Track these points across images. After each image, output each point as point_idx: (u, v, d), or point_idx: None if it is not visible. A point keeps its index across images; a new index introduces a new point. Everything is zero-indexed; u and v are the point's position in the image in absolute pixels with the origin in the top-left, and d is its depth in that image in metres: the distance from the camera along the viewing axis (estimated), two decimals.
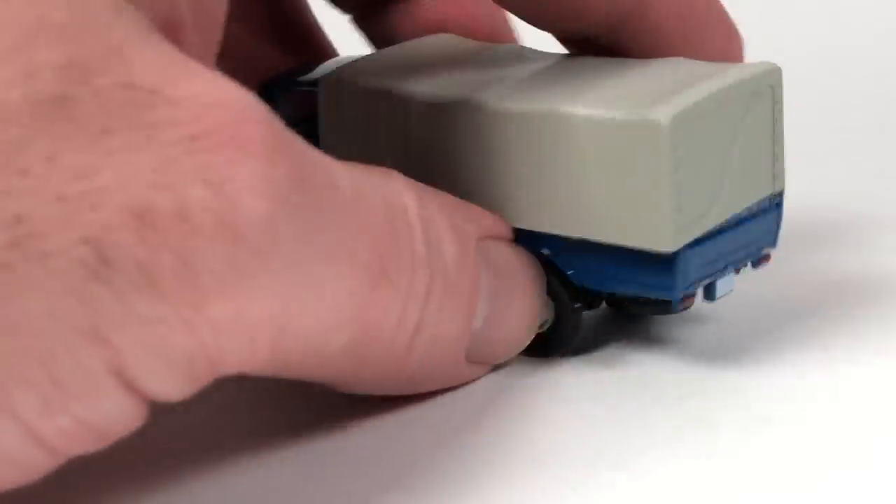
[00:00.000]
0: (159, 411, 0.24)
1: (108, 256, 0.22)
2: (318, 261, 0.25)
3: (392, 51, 0.37)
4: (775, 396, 0.32)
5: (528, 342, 0.33)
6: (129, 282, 0.22)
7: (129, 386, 0.23)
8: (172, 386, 0.23)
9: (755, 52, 0.39)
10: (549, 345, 0.34)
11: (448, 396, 0.32)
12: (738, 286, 0.36)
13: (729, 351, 0.35)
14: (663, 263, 0.31)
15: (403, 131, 0.34)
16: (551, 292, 0.34)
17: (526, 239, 0.33)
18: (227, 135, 0.23)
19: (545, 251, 0.33)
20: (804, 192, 0.39)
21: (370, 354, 0.27)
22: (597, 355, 0.35)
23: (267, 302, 0.24)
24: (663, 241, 0.31)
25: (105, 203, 0.22)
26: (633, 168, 0.31)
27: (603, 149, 0.31)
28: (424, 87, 0.34)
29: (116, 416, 0.23)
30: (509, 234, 0.32)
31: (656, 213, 0.31)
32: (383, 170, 0.29)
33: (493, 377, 0.33)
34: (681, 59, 0.34)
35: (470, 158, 0.33)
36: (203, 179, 0.23)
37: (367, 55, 0.37)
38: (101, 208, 0.22)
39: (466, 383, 0.32)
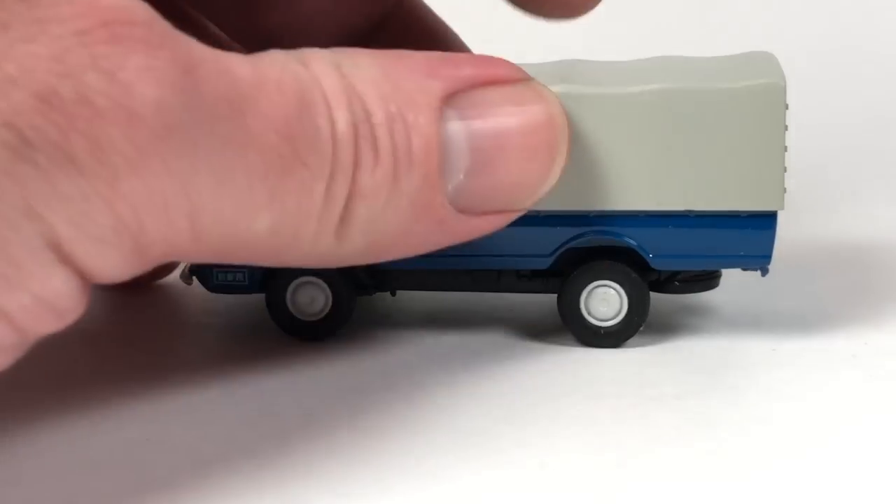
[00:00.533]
0: None
1: (29, 138, 0.24)
2: (222, 145, 0.26)
3: None
4: (775, 397, 0.32)
5: (554, 177, 0.32)
6: (51, 161, 0.24)
7: (67, 261, 0.25)
8: (105, 261, 0.25)
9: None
10: (622, 333, 0.35)
11: (444, 388, 0.32)
12: (738, 287, 0.36)
13: (730, 352, 0.35)
14: (761, 228, 0.34)
15: None
16: (626, 281, 0.35)
17: (605, 226, 0.34)
18: (112, 29, 0.25)
19: (625, 237, 0.34)
20: (805, 192, 0.39)
21: (301, 235, 0.28)
22: (597, 353, 0.35)
23: (175, 180, 0.26)
24: (774, 200, 0.33)
25: (14, 90, 0.24)
26: (751, 132, 0.33)
27: (721, 118, 0.33)
28: None
29: (64, 293, 0.25)
30: (510, 74, 0.32)
31: (769, 174, 0.33)
32: (300, 51, 0.29)
33: (492, 372, 0.33)
34: (678, 55, 0.36)
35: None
36: (97, 68, 0.25)
37: None
38: (11, 95, 0.24)
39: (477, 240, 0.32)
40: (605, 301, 0.36)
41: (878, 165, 0.53)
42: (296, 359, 0.35)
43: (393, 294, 0.37)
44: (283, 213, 0.28)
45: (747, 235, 0.34)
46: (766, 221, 0.34)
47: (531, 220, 0.33)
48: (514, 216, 0.32)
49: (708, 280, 0.37)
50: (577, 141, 0.33)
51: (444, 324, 0.38)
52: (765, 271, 0.35)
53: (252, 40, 0.39)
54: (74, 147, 0.24)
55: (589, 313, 0.36)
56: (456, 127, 0.30)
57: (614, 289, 0.36)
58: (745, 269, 0.36)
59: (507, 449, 0.30)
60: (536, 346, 0.36)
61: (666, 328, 0.37)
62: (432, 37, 0.41)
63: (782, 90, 0.33)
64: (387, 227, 0.30)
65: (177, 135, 0.26)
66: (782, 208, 0.34)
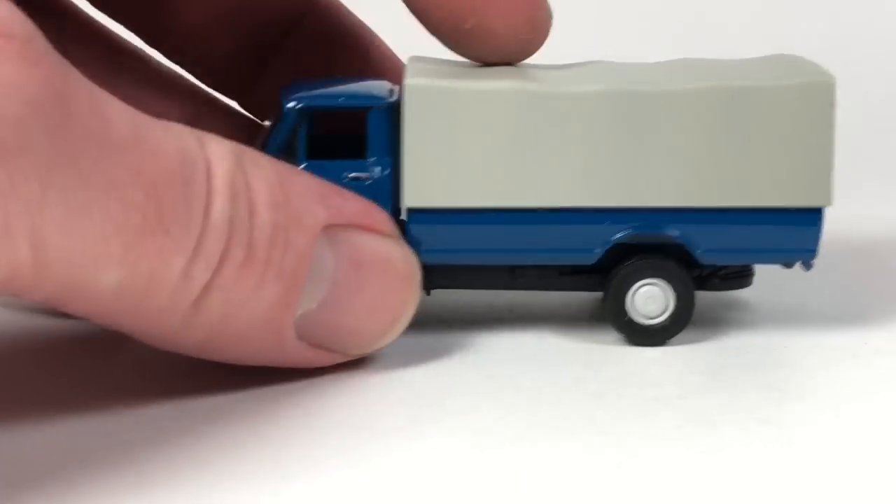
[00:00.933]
0: None
1: None
2: (80, 183, 0.26)
3: (437, 62, 0.37)
4: (776, 397, 0.32)
5: (391, 336, 0.33)
6: None
7: None
8: None
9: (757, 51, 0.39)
10: (669, 330, 0.36)
11: (442, 386, 0.32)
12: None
13: (730, 352, 0.35)
14: (808, 224, 0.35)
15: (516, 124, 0.34)
16: (674, 277, 0.35)
17: (652, 221, 0.35)
18: None
19: (673, 232, 0.35)
20: None
21: (149, 305, 0.28)
22: (598, 353, 0.35)
23: (19, 201, 0.25)
24: (822, 196, 0.34)
25: None
26: (801, 129, 0.34)
27: (772, 115, 0.34)
28: (539, 84, 0.34)
29: None
30: (386, 228, 0.33)
31: (818, 170, 0.34)
32: (206, 134, 0.29)
33: (491, 372, 0.34)
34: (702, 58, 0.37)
35: (605, 144, 0.34)
36: None
37: (414, 64, 0.36)
38: None
39: (324, 370, 0.33)
40: (652, 299, 0.35)
41: (877, 165, 0.53)
42: None
43: (428, 293, 0.36)
44: (135, 276, 0.27)
45: (794, 231, 0.35)
46: (812, 217, 0.35)
47: (579, 215, 0.34)
48: (338, 359, 0.33)
49: (743, 277, 0.37)
50: (627, 137, 0.34)
51: (442, 323, 0.37)
52: (809, 266, 0.35)
53: (163, 41, 0.40)
54: None
55: (636, 311, 0.36)
56: (325, 257, 0.31)
57: (661, 286, 0.35)
58: (788, 266, 0.36)
59: (506, 446, 0.30)
60: (537, 344, 0.36)
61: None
62: (350, 39, 0.40)
63: (832, 88, 0.34)
64: (234, 328, 0.30)
65: (30, 157, 0.25)
66: (831, 204, 0.34)
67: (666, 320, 0.36)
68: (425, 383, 0.33)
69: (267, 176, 0.30)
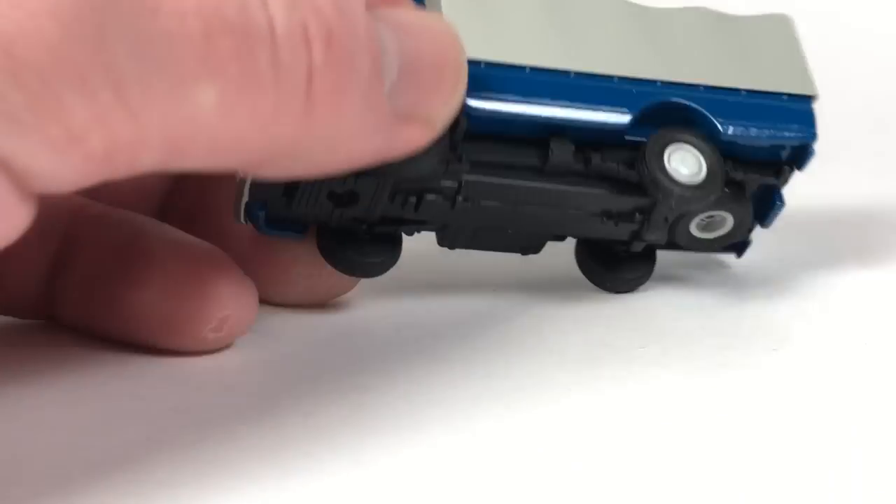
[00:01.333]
0: None
1: None
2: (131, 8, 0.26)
3: None
4: (774, 392, 0.32)
5: (461, 85, 0.33)
6: None
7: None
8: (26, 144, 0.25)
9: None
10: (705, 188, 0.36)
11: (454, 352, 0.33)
12: (734, 283, 0.37)
13: (727, 349, 0.36)
14: (804, 108, 0.38)
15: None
16: (705, 143, 0.37)
17: (678, 91, 0.37)
18: None
19: (697, 103, 0.37)
20: (805, 191, 0.39)
21: (260, 108, 0.28)
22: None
23: (105, 58, 0.25)
24: (808, 86, 0.38)
25: None
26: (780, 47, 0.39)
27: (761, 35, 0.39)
28: None
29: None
30: (407, 2, 0.33)
31: (799, 70, 0.39)
32: None
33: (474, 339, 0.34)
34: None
35: (632, 24, 0.37)
36: None
37: None
38: None
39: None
40: (686, 158, 0.36)
41: (877, 165, 0.53)
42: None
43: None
44: (227, 82, 0.27)
45: (795, 113, 0.38)
46: (806, 103, 0.38)
47: (614, 82, 0.36)
48: (431, 133, 0.32)
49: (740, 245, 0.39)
50: (650, 24, 0.37)
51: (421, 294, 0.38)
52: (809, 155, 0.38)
53: None
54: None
55: (672, 169, 0.36)
56: (383, 27, 0.31)
57: (694, 149, 0.36)
58: (796, 145, 0.37)
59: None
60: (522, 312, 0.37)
61: (665, 328, 0.37)
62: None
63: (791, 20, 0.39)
64: (350, 111, 0.30)
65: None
66: (817, 94, 0.38)
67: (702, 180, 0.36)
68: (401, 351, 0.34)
69: None
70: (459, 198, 0.35)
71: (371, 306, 0.38)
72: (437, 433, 0.30)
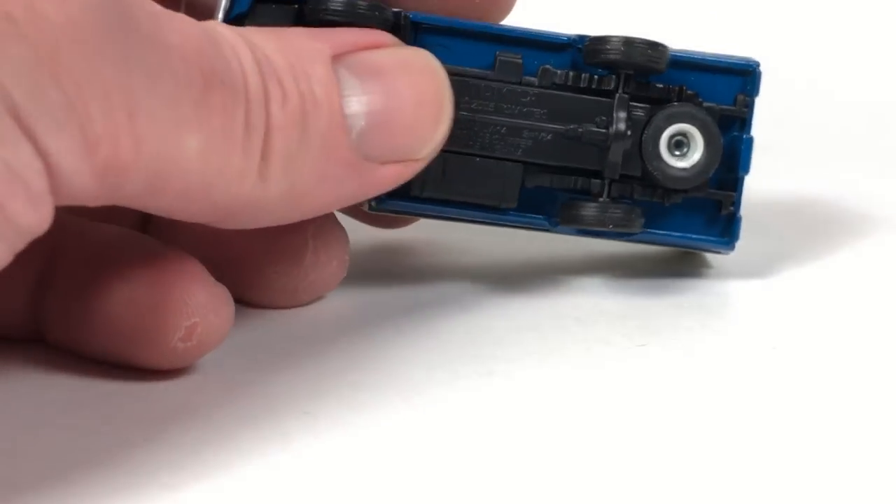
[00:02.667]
0: None
1: None
2: (149, 44, 0.28)
3: None
4: (773, 395, 0.33)
5: (445, 122, 0.34)
6: None
7: (29, 135, 0.26)
8: (61, 146, 0.26)
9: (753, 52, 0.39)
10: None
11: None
12: (734, 284, 0.37)
13: (728, 347, 0.36)
14: None
15: None
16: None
17: None
18: None
19: None
20: (806, 193, 0.39)
21: (229, 166, 0.29)
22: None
23: (112, 59, 0.27)
24: None
25: None
26: None
27: None
28: None
29: (33, 169, 0.26)
30: (387, 41, 0.34)
31: None
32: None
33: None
34: None
35: None
36: None
37: None
38: None
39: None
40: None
41: (877, 165, 0.54)
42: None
43: None
44: (211, 134, 0.29)
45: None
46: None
47: None
48: (415, 168, 0.34)
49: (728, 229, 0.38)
50: None
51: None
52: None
53: None
54: (13, 9, 0.25)
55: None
56: (349, 78, 0.32)
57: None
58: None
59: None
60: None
61: (665, 326, 0.37)
62: None
63: None
64: (304, 168, 0.31)
65: (110, 15, 0.27)
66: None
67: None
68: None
69: (261, 35, 0.32)
70: None
71: (371, 305, 0.38)
72: (437, 433, 0.30)
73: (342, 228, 0.38)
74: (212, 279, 0.33)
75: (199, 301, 0.32)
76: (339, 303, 0.38)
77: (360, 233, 0.41)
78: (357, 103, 0.32)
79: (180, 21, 0.29)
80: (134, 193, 0.28)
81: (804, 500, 0.28)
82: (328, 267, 0.37)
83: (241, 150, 0.30)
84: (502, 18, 0.38)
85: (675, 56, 0.37)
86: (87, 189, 0.27)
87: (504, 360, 0.35)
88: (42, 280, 0.34)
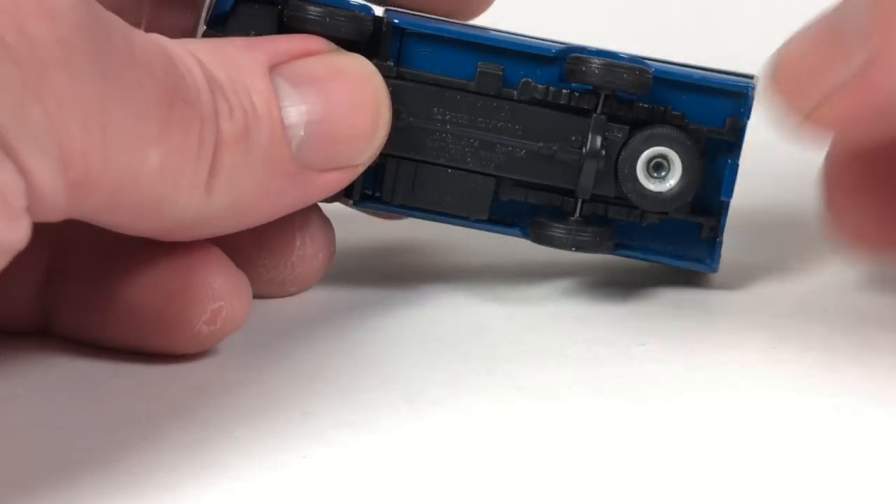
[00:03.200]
0: None
1: None
2: (121, 60, 0.28)
3: None
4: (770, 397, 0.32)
5: (383, 127, 0.35)
6: None
7: (11, 154, 0.26)
8: (40, 165, 0.26)
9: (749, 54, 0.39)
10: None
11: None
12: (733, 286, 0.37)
13: (727, 348, 0.36)
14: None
15: None
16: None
17: None
18: None
19: None
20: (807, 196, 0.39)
21: (181, 181, 0.30)
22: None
23: (91, 79, 0.27)
24: None
25: None
26: None
27: None
28: None
29: (14, 188, 0.26)
30: (322, 47, 0.34)
31: None
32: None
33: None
34: None
35: None
36: None
37: None
38: None
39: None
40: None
41: None
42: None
43: None
44: (170, 151, 0.29)
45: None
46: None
47: None
48: (354, 173, 0.35)
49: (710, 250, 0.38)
50: None
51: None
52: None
53: None
54: (4, 33, 0.26)
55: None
56: (286, 88, 0.33)
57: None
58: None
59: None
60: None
61: (665, 327, 0.37)
62: None
63: None
64: (247, 183, 0.32)
65: (94, 33, 0.27)
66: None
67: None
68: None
69: (199, 46, 0.32)
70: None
71: (370, 304, 0.38)
72: (437, 432, 0.30)
73: (328, 221, 0.38)
74: (231, 263, 0.34)
75: (222, 285, 0.33)
76: (339, 302, 0.38)
77: (362, 230, 0.41)
78: (296, 114, 0.33)
79: (145, 38, 0.30)
80: (95, 209, 0.29)
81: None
82: (315, 259, 0.37)
83: (194, 165, 0.30)
84: (479, 14, 0.38)
85: (664, 73, 0.36)
86: (57, 205, 0.27)
87: (504, 359, 0.35)
88: (51, 269, 0.34)
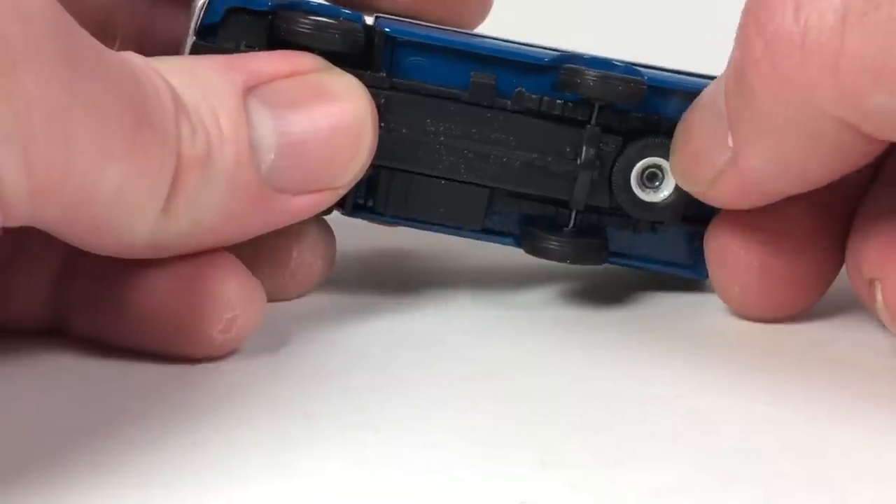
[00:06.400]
0: None
1: None
2: (91, 72, 0.28)
3: None
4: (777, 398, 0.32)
5: (365, 152, 0.34)
6: None
7: None
8: (7, 167, 0.27)
9: None
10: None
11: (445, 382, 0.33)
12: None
13: (727, 347, 0.36)
14: None
15: None
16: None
17: None
18: None
19: None
20: None
21: (137, 203, 0.30)
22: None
23: (59, 84, 0.27)
24: None
25: None
26: None
27: None
28: None
29: None
30: (305, 65, 0.34)
31: None
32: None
33: (488, 371, 0.34)
34: None
35: None
36: None
37: None
38: None
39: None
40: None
41: None
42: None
43: None
44: (129, 172, 0.29)
45: None
46: None
47: None
48: (334, 196, 0.34)
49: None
50: None
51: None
52: None
53: None
54: None
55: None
56: (260, 111, 0.32)
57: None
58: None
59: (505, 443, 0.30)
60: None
61: (664, 329, 0.37)
62: None
63: None
64: (209, 205, 0.31)
65: (65, 42, 0.27)
66: None
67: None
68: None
69: (172, 65, 0.32)
70: (381, 124, 0.35)
71: (370, 306, 0.38)
72: (437, 432, 0.30)
73: (328, 227, 0.38)
74: (247, 271, 0.33)
75: (237, 293, 0.33)
76: (340, 305, 0.38)
77: (362, 235, 0.41)
78: (267, 136, 0.32)
79: (114, 56, 0.30)
80: (52, 219, 0.29)
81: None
82: (315, 265, 0.37)
83: (151, 189, 0.30)
84: (479, 22, 0.38)
85: (657, 82, 0.36)
86: (18, 209, 0.27)
87: (504, 360, 0.35)
88: (65, 269, 0.34)
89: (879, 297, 0.34)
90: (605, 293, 0.39)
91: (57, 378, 0.33)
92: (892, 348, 0.35)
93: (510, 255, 0.39)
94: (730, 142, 0.33)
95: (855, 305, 0.37)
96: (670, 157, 0.36)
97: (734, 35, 0.33)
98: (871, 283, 0.34)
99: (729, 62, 0.33)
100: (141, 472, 0.28)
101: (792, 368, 0.34)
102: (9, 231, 0.29)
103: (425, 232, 0.38)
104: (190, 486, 0.28)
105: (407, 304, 0.38)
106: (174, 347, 0.33)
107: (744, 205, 0.35)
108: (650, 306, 0.39)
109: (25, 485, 0.27)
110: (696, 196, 0.36)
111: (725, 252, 0.36)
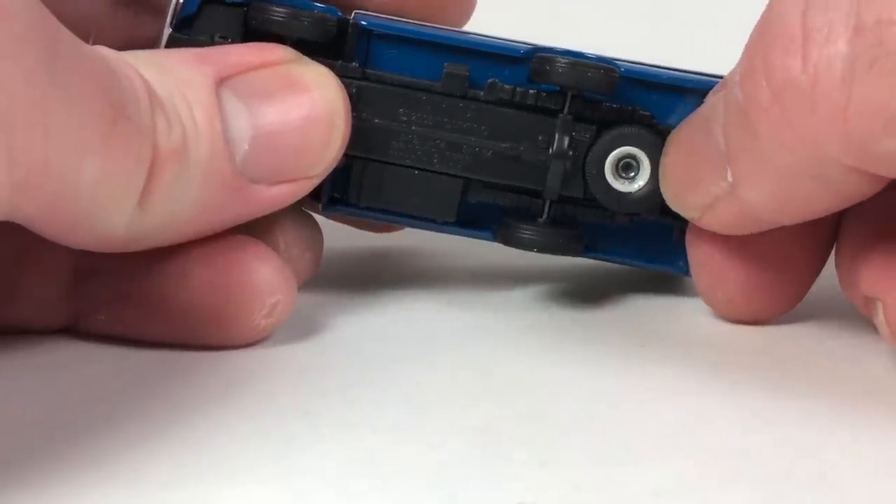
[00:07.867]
0: None
1: None
2: (69, 67, 0.28)
3: None
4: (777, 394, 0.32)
5: (339, 140, 0.34)
6: None
7: None
8: None
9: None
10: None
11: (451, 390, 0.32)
12: None
13: (726, 348, 0.36)
14: None
15: None
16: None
17: None
18: None
19: None
20: None
21: (114, 195, 0.30)
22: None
23: (39, 74, 0.27)
24: None
25: None
26: None
27: None
28: None
29: None
30: (276, 56, 0.34)
31: None
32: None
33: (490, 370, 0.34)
34: None
35: None
36: None
37: None
38: None
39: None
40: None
41: None
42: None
43: None
44: (107, 165, 0.29)
45: None
46: None
47: None
48: (308, 185, 0.34)
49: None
50: None
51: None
52: None
53: None
54: None
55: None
56: (233, 102, 0.33)
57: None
58: None
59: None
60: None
61: (663, 328, 0.37)
62: None
63: None
64: (185, 198, 0.32)
65: (46, 37, 0.27)
66: None
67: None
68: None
69: (145, 59, 0.32)
70: (353, 114, 0.35)
71: (370, 305, 0.38)
72: (437, 431, 0.30)
73: (314, 222, 0.37)
74: (277, 256, 0.34)
75: (277, 277, 0.34)
76: (337, 303, 0.38)
77: (356, 233, 0.41)
78: (241, 127, 0.33)
79: (91, 50, 0.30)
80: (32, 215, 0.29)
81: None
82: (303, 259, 0.37)
83: (127, 182, 0.30)
84: (464, 21, 0.38)
85: (632, 73, 0.36)
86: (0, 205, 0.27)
87: (503, 360, 0.35)
88: (79, 268, 0.34)
89: (881, 315, 0.34)
90: (603, 293, 0.39)
91: (55, 377, 0.33)
92: (892, 348, 0.35)
93: (510, 255, 0.39)
94: (729, 177, 0.33)
95: (853, 305, 0.37)
96: (660, 179, 0.36)
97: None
98: (870, 299, 0.34)
99: (727, 99, 0.33)
100: (139, 470, 0.28)
101: (792, 368, 0.35)
102: (18, 230, 0.29)
103: (417, 232, 0.38)
104: (188, 485, 0.28)
105: (407, 304, 0.38)
106: (214, 337, 0.34)
107: (737, 232, 0.35)
108: (650, 306, 0.39)
109: (23, 483, 0.27)
110: (688, 218, 0.36)
111: (708, 262, 0.36)
